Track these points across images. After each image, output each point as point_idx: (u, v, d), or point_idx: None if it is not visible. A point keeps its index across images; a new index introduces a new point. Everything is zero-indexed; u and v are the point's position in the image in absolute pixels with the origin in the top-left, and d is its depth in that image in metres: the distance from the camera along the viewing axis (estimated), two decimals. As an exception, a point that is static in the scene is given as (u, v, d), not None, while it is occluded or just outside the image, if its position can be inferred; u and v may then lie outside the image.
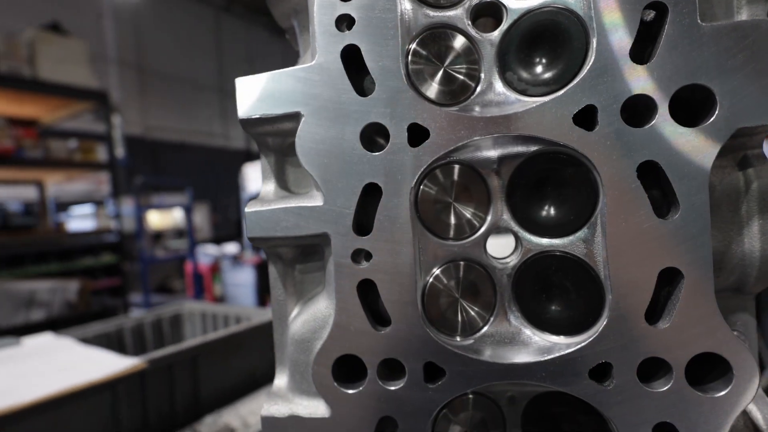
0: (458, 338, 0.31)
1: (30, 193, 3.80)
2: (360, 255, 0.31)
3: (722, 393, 0.27)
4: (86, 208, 5.19)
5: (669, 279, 0.28)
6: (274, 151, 0.36)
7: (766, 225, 0.30)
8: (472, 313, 0.31)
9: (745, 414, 0.31)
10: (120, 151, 4.29)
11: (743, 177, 0.30)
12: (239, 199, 6.20)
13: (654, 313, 0.28)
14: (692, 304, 0.27)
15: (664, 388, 0.28)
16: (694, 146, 0.27)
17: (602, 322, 0.28)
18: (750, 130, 0.27)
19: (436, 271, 0.31)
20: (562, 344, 0.30)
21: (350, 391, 0.31)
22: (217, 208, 7.77)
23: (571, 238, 0.30)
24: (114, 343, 1.30)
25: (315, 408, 0.33)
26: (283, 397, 0.35)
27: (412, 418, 0.30)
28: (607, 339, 0.28)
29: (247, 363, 1.08)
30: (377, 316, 0.31)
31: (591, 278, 0.29)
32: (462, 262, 0.31)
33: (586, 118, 0.28)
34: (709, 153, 0.27)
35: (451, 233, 0.31)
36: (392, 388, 0.31)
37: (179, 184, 6.03)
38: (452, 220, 0.31)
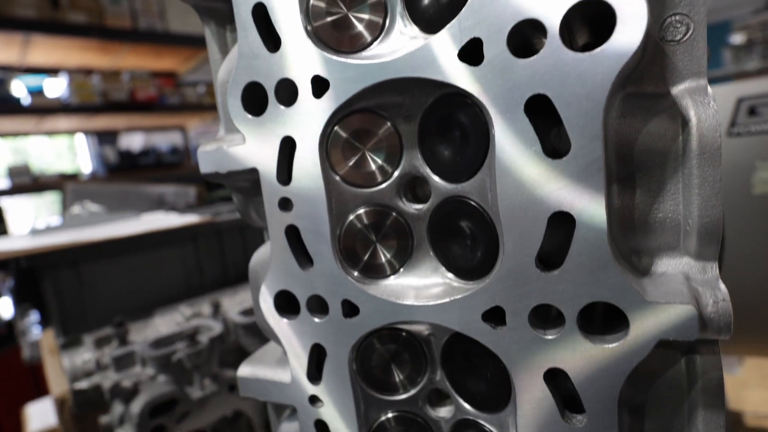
0: (374, 279, 0.33)
1: (176, 138, 4.45)
2: (285, 203, 0.34)
3: (615, 344, 0.25)
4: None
5: (561, 223, 0.26)
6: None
7: (704, 190, 0.25)
8: (388, 256, 0.33)
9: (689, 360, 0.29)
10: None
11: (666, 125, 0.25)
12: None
13: (548, 258, 0.27)
14: (584, 250, 0.25)
15: (555, 336, 0.27)
16: (587, 75, 0.23)
17: (496, 267, 0.28)
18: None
19: (351, 216, 0.33)
20: (463, 287, 0.30)
21: (286, 321, 0.36)
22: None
23: (472, 181, 0.29)
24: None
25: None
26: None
27: (337, 347, 0.34)
28: (499, 284, 0.28)
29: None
30: (307, 256, 0.35)
31: (486, 223, 0.28)
32: (377, 207, 0.32)
33: (472, 52, 0.26)
34: (603, 83, 0.23)
35: (365, 180, 0.32)
36: (318, 320, 0.34)
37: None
38: (365, 167, 0.32)
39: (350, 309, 0.33)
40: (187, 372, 0.73)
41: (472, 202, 0.29)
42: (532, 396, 0.28)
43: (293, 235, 0.34)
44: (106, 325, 0.87)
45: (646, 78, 0.27)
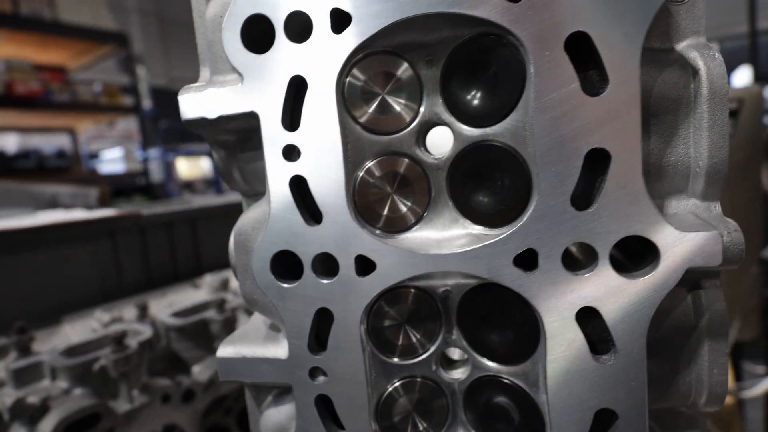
0: (390, 234, 0.31)
1: (63, 140, 3.95)
2: (291, 151, 0.31)
3: (646, 277, 0.26)
4: (116, 152, 5.33)
5: (597, 160, 0.26)
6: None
7: (714, 132, 0.28)
8: (405, 208, 0.31)
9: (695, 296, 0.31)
10: (147, 102, 4.35)
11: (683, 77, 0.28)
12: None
13: (581, 197, 0.27)
14: (619, 186, 0.26)
15: (589, 274, 0.27)
16: (626, 15, 0.24)
17: (529, 209, 0.28)
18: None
19: (369, 164, 0.31)
20: (492, 234, 0.29)
21: (287, 286, 0.32)
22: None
23: (503, 124, 0.28)
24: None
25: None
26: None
27: (347, 310, 0.31)
28: (532, 226, 0.27)
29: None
30: (313, 212, 0.32)
31: (519, 166, 0.28)
32: (396, 156, 0.31)
33: (513, -11, 0.26)
34: (641, 22, 0.24)
35: (383, 127, 0.30)
36: (325, 282, 0.31)
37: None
38: (383, 112, 0.30)
39: (365, 266, 0.31)
40: (112, 382, 0.63)
41: (504, 145, 0.28)
42: (563, 338, 0.28)
43: (298, 187, 0.31)
44: (2, 334, 0.72)
45: (652, 35, 0.29)
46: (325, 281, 0.31)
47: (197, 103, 0.32)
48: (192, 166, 6.36)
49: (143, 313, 0.76)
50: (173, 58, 7.23)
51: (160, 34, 7.13)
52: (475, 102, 0.29)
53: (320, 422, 0.33)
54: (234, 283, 0.96)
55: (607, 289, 0.27)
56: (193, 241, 1.00)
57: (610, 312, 0.27)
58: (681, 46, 0.29)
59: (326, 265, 0.32)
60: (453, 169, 0.30)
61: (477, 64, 0.28)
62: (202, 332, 0.74)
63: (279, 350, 0.34)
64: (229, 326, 0.74)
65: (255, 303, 0.35)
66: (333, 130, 0.30)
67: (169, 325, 0.73)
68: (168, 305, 0.84)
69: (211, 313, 0.74)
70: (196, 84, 0.34)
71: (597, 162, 0.26)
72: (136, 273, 0.90)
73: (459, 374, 0.33)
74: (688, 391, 0.30)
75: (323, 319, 0.32)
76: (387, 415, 0.33)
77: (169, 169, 5.00)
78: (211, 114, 0.32)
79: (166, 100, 6.95)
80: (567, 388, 0.28)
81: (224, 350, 0.35)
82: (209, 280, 0.90)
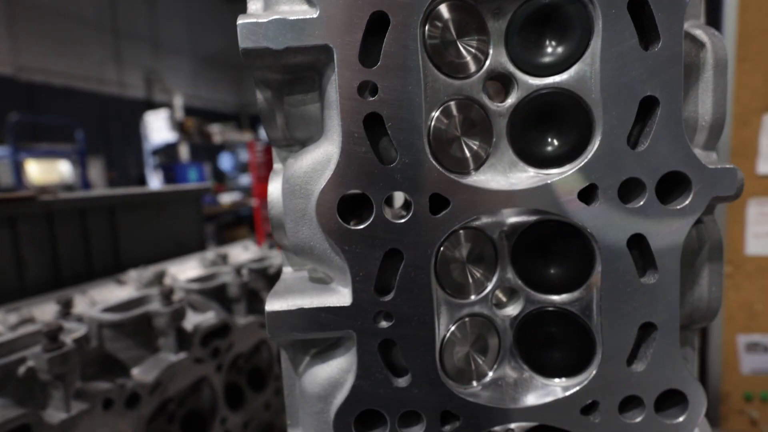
0: (458, 172, 0.33)
1: None
2: (366, 88, 0.31)
3: (681, 205, 0.32)
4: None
5: (648, 106, 0.31)
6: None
7: (717, 93, 0.34)
8: (471, 151, 0.33)
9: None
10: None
11: None
12: (141, 152, 5.65)
13: (634, 138, 0.32)
14: (665, 128, 0.31)
15: (638, 205, 0.32)
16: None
17: (592, 149, 0.31)
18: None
19: (443, 106, 0.32)
20: (554, 173, 0.32)
21: (356, 228, 0.31)
22: (113, 164, 7.00)
23: (569, 72, 0.32)
24: None
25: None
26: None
27: (417, 249, 0.32)
28: (595, 163, 0.31)
29: (172, 229, 1.06)
30: (386, 152, 0.32)
31: (583, 111, 0.32)
32: (466, 100, 0.32)
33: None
34: (687, -10, 0.30)
35: (456, 70, 0.32)
36: (398, 221, 0.31)
37: (64, 126, 5.28)
38: (457, 57, 0.32)
39: (438, 204, 0.32)
40: (41, 387, 0.52)
41: (570, 92, 0.32)
42: (614, 264, 0.32)
43: (373, 125, 0.31)
44: None
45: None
46: (398, 221, 0.31)
47: (261, 32, 0.30)
48: (47, 170, 5.47)
49: (66, 310, 0.64)
50: (21, 43, 6.20)
51: (6, 16, 6.08)
52: (543, 52, 0.32)
53: (384, 367, 0.33)
54: (178, 276, 0.86)
55: (653, 218, 0.32)
56: (112, 234, 0.86)
57: (654, 236, 0.32)
58: (686, 26, 0.36)
59: (401, 202, 0.32)
60: (515, 115, 0.33)
61: (548, 17, 0.32)
62: (144, 329, 0.65)
63: (337, 299, 0.33)
64: (176, 321, 0.66)
65: (310, 251, 0.33)
66: (414, 68, 0.30)
67: (102, 322, 0.63)
68: (90, 303, 0.72)
69: (155, 306, 0.66)
70: (254, 13, 0.31)
71: (648, 107, 0.31)
72: (41, 269, 0.75)
73: (510, 311, 0.35)
74: (690, 308, 0.37)
75: (389, 262, 0.32)
76: (450, 355, 0.34)
77: (18, 170, 4.24)
78: (278, 45, 0.30)
79: (12, 92, 5.92)
80: (617, 308, 0.32)
81: (275, 304, 0.33)
82: (136, 275, 0.79)
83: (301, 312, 0.33)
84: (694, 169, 0.31)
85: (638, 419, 0.33)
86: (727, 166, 0.32)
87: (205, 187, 1.65)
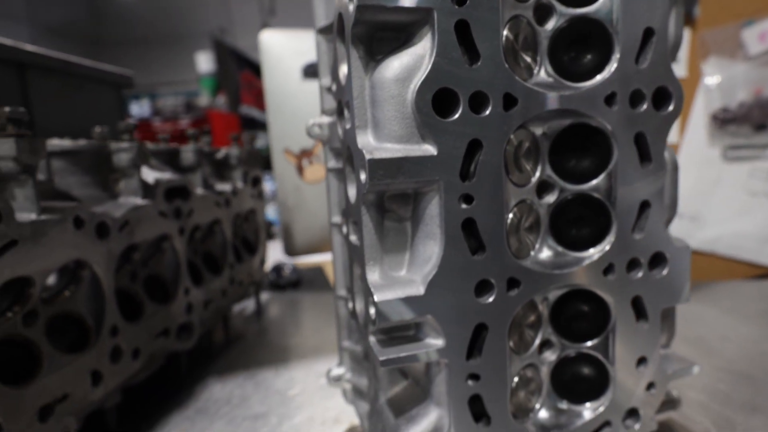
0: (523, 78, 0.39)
1: None
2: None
3: (666, 111, 0.43)
4: None
5: (647, 35, 0.41)
6: None
7: (677, 21, 0.47)
8: (528, 60, 0.40)
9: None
10: None
11: None
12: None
13: (638, 58, 0.42)
14: (657, 53, 0.42)
15: (641, 110, 0.42)
16: (668, -57, 0.41)
17: (611, 68, 0.41)
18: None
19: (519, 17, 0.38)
20: (587, 85, 0.41)
21: (447, 120, 0.36)
22: None
23: (594, 6, 0.41)
24: None
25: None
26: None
27: (493, 141, 0.38)
28: (613, 77, 0.41)
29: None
30: (471, 53, 0.37)
31: (607, 36, 0.41)
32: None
33: None
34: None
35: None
36: (480, 116, 0.37)
37: None
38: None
39: (509, 102, 0.38)
40: (4, 187, 0.44)
41: (599, 20, 0.41)
42: (625, 153, 0.42)
43: (461, 30, 0.36)
44: None
45: None
46: (478, 115, 0.37)
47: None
48: None
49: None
50: None
51: None
52: (577, -14, 0.40)
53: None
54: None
55: (651, 121, 0.43)
56: (22, 95, 0.71)
57: (650, 135, 0.43)
58: None
59: (477, 101, 0.37)
60: (555, 37, 0.41)
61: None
62: (102, 168, 0.58)
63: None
64: (141, 159, 0.60)
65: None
66: (495, -20, 0.36)
67: (53, 149, 0.55)
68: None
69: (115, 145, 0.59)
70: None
71: (647, 36, 0.42)
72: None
73: (548, 199, 0.43)
74: (669, 213, 0.49)
75: (468, 152, 0.38)
76: (514, 230, 0.41)
77: None
78: None
79: None
80: (625, 190, 0.43)
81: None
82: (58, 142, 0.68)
83: (401, 160, 0.36)
84: (675, 85, 0.43)
85: (639, 275, 0.44)
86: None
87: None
